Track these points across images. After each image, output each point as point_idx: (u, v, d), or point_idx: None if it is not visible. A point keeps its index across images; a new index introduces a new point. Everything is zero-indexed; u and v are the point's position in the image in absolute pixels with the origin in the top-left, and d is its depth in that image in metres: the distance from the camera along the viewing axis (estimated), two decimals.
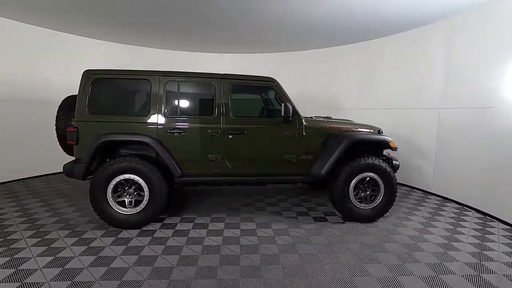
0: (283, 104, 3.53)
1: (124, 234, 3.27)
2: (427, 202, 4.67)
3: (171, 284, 2.35)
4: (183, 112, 3.57)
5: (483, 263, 2.76)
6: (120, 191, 3.40)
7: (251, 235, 3.30)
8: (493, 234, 3.43)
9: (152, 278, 2.43)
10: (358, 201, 3.73)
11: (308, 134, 3.74)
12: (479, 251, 3.00)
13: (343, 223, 3.73)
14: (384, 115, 5.81)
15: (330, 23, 5.17)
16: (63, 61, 6.01)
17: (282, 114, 3.57)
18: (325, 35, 5.93)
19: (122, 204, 3.40)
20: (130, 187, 3.41)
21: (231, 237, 3.26)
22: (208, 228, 3.48)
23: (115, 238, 3.17)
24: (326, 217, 3.93)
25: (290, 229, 3.51)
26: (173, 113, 3.52)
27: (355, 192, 3.72)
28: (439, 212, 4.19)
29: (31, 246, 2.95)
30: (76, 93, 3.49)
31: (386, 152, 4.09)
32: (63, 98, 3.86)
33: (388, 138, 3.78)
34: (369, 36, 5.93)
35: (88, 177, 3.46)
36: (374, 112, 6.03)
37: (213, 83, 3.59)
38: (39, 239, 3.11)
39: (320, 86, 7.11)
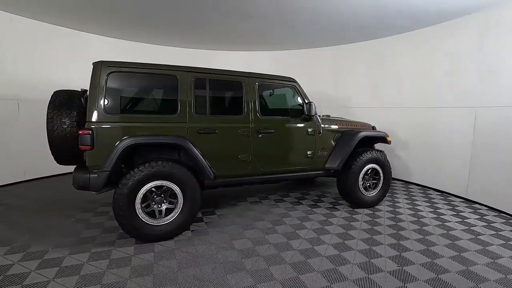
0: (307, 103, 3.72)
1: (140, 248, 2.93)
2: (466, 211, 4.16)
3: None
4: (213, 111, 3.38)
5: None
6: (148, 200, 3.02)
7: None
8: None
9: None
10: (364, 190, 4.21)
11: (324, 132, 4.02)
12: None
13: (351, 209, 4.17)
14: (400, 115, 5.66)
15: (346, 19, 4.99)
16: (75, 58, 5.86)
17: (306, 112, 3.77)
18: (336, 32, 5.75)
19: (151, 214, 3.03)
20: (159, 195, 3.05)
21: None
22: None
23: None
24: (336, 206, 4.31)
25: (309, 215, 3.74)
26: (203, 112, 3.30)
27: (361, 182, 4.19)
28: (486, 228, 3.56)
29: None
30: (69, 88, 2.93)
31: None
32: (52, 94, 3.16)
33: (385, 133, 4.38)
34: (385, 33, 5.68)
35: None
36: (388, 112, 5.86)
37: (241, 81, 3.50)
38: None
39: (330, 85, 7.02)
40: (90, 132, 2.80)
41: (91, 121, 2.84)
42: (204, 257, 2.76)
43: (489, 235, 3.38)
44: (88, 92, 2.91)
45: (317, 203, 4.43)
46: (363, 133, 4.11)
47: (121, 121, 2.94)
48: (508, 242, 3.19)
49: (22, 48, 5.20)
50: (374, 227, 3.55)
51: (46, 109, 3.02)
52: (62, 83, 4.82)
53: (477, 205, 4.44)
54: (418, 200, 4.67)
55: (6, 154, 5.01)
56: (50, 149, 3.06)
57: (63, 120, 2.99)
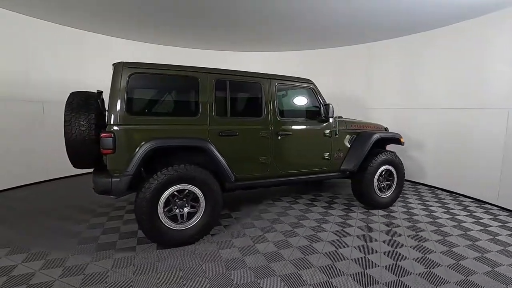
0: (325, 105, 3.71)
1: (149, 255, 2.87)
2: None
3: None
4: (233, 113, 3.33)
5: None
6: (171, 204, 2.95)
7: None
8: None
9: None
10: (378, 191, 4.22)
11: (340, 133, 4.01)
12: None
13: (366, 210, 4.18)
14: (427, 115, 5.44)
15: (367, 17, 4.83)
16: (94, 60, 5.96)
17: (323, 114, 3.76)
18: (360, 30, 5.58)
19: (173, 219, 2.96)
20: (181, 199, 2.99)
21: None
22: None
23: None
24: (350, 208, 4.31)
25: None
26: (223, 114, 3.25)
27: (376, 183, 4.20)
28: None
29: None
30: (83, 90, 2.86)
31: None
32: (69, 96, 3.07)
33: (399, 134, 4.39)
34: (411, 31, 5.44)
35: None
36: (414, 112, 5.66)
37: (261, 83, 3.47)
38: None
39: (354, 85, 6.79)
40: (112, 135, 2.72)
41: (113, 124, 2.76)
42: (231, 262, 2.71)
43: (506, 235, 3.43)
44: (109, 94, 2.82)
45: (331, 205, 4.42)
46: (378, 135, 4.12)
47: (143, 123, 2.88)
48: None
49: (46, 52, 5.36)
50: (393, 229, 3.56)
51: (64, 111, 2.94)
52: (86, 85, 4.89)
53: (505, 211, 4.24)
54: (433, 205, 4.71)
55: (31, 154, 5.17)
56: (67, 153, 2.97)
57: (82, 122, 2.90)
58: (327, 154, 3.91)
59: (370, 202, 4.18)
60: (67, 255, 2.79)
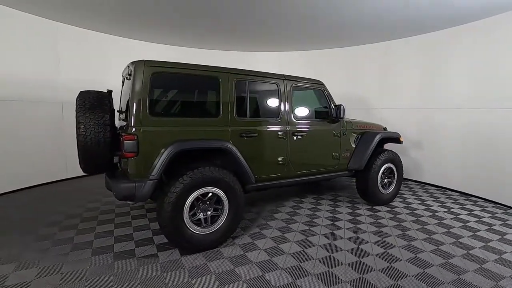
0: (337, 105, 3.81)
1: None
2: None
3: None
4: (253, 113, 3.30)
5: None
6: (195, 208, 2.85)
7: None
8: None
9: None
10: (382, 188, 4.42)
11: (348, 133, 4.14)
12: None
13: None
14: (452, 116, 5.17)
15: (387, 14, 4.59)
16: (110, 61, 6.00)
17: (334, 115, 3.85)
18: (377, 28, 5.36)
19: (196, 223, 2.87)
20: (204, 202, 2.91)
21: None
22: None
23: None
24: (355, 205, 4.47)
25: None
26: (244, 115, 3.22)
27: (380, 181, 4.39)
28: None
29: None
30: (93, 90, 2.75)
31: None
32: (79, 95, 2.86)
33: (398, 134, 4.63)
34: (440, 26, 5.13)
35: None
36: (435, 113, 5.43)
37: (278, 83, 3.47)
38: None
39: (368, 85, 6.59)
40: (135, 137, 2.57)
41: (135, 125, 2.61)
42: (262, 264, 2.69)
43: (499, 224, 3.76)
44: (130, 94, 2.67)
45: (336, 203, 4.55)
46: (381, 134, 4.31)
47: (166, 124, 2.76)
48: None
49: (65, 54, 5.52)
50: (401, 224, 3.74)
51: (76, 111, 2.73)
52: (107, 86, 4.62)
53: None
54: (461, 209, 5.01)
55: (52, 153, 5.35)
56: (80, 156, 2.77)
57: (96, 124, 2.72)
58: (336, 153, 4.02)
59: (374, 199, 4.36)
60: (84, 267, 2.59)
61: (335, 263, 2.73)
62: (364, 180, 4.29)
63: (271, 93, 3.50)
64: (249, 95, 3.27)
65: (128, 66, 2.86)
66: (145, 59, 2.72)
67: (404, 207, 4.40)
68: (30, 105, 4.99)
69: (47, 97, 5.24)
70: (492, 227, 3.68)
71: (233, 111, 3.10)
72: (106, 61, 6.04)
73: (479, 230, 3.57)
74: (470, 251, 3.02)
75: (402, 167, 4.59)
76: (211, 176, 2.80)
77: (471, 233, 3.48)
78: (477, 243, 3.22)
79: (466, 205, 4.59)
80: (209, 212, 2.92)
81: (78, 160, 2.94)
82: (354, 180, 4.59)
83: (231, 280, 2.43)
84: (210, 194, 2.89)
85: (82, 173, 5.45)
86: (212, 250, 2.94)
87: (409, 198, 4.87)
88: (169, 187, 2.66)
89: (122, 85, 3.58)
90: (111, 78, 5.52)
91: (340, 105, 3.80)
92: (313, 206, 4.39)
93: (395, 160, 4.46)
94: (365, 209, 4.30)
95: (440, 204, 4.57)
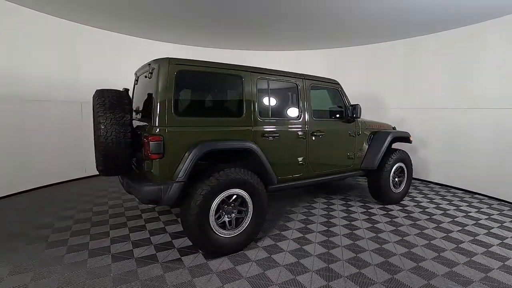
0: (353, 105, 3.81)
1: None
2: None
3: None
4: (274, 113, 3.24)
5: None
6: (220, 211, 2.77)
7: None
8: None
9: None
10: (393, 187, 4.45)
11: (362, 133, 4.15)
12: None
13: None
14: (482, 116, 4.89)
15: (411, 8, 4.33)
16: (127, 60, 5.94)
17: (350, 115, 3.84)
18: (401, 24, 5.11)
19: (221, 226, 2.79)
20: (229, 205, 2.83)
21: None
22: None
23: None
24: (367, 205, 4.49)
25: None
26: (265, 114, 3.15)
27: (391, 180, 4.42)
28: None
29: None
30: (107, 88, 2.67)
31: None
32: (97, 94, 2.73)
33: (408, 133, 4.67)
34: (459, 23, 4.93)
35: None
36: (462, 113, 5.15)
37: (297, 83, 3.43)
38: None
39: (389, 84, 6.34)
40: (161, 138, 2.47)
41: (160, 126, 2.51)
42: (291, 267, 2.65)
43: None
44: (156, 93, 2.55)
45: (347, 202, 4.55)
46: (393, 134, 4.34)
47: (190, 124, 2.66)
48: None
49: (84, 54, 5.62)
50: (416, 222, 3.78)
51: (95, 111, 2.60)
52: (122, 85, 4.48)
53: None
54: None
55: (71, 151, 5.45)
56: (100, 158, 2.64)
57: (117, 124, 2.60)
58: (351, 153, 4.02)
59: (385, 198, 4.38)
60: (106, 274, 2.47)
61: (363, 264, 2.72)
62: (377, 180, 4.31)
63: (291, 93, 3.45)
64: (270, 94, 3.21)
65: (149, 64, 2.75)
66: (169, 57, 2.61)
67: (414, 206, 4.45)
68: (52, 105, 5.13)
69: (68, 97, 5.38)
70: None
71: (256, 111, 3.03)
72: (121, 61, 6.08)
73: (492, 228, 3.65)
74: (490, 249, 3.07)
75: (412, 166, 4.64)
76: (237, 177, 2.73)
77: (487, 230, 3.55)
78: (494, 240, 3.29)
79: (494, 208, 4.68)
80: (233, 215, 2.85)
81: (96, 161, 2.82)
82: (360, 180, 4.61)
83: (264, 285, 2.37)
84: (235, 196, 2.81)
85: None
86: (237, 253, 2.87)
87: (417, 197, 4.93)
88: (196, 190, 2.57)
89: (135, 84, 3.46)
90: (126, 77, 5.39)
91: (357, 104, 3.79)
92: (325, 206, 4.37)
93: (406, 159, 4.51)
94: (377, 208, 4.33)
95: (448, 202, 4.65)
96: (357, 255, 2.89)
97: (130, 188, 2.73)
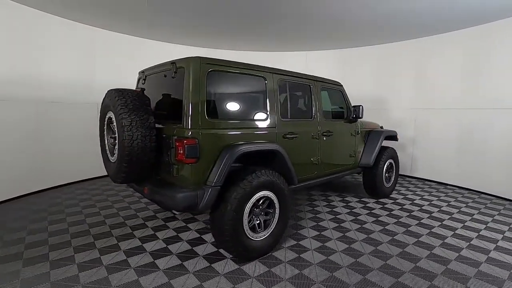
0: (357, 106, 4.01)
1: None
2: None
3: None
4: (293, 114, 3.27)
5: None
6: (251, 214, 2.72)
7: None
8: None
9: None
10: (385, 182, 4.79)
11: (361, 132, 4.39)
12: None
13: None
14: (498, 117, 4.79)
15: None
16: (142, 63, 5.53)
17: (354, 115, 4.04)
18: (414, 23, 4.98)
19: (252, 229, 2.75)
20: (258, 207, 2.80)
21: None
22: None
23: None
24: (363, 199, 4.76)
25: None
26: (286, 115, 3.17)
27: (384, 175, 4.75)
28: None
29: None
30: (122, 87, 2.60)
31: None
32: (116, 94, 2.50)
33: (396, 132, 5.05)
34: (474, 22, 4.83)
35: None
36: (476, 113, 5.04)
37: (310, 84, 3.50)
38: None
39: (401, 84, 6.23)
40: (196, 141, 2.35)
41: (193, 128, 2.39)
42: (324, 264, 2.71)
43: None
44: (187, 93, 2.41)
45: (344, 198, 4.78)
46: (385, 133, 4.67)
47: (222, 127, 2.58)
48: None
49: (100, 57, 5.69)
50: (412, 213, 4.12)
51: (117, 113, 2.39)
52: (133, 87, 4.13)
53: None
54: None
55: (87, 151, 5.39)
56: (124, 164, 2.42)
57: (142, 127, 2.42)
58: (353, 152, 4.23)
59: (379, 192, 4.69)
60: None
61: (386, 257, 2.89)
62: (372, 176, 4.59)
63: (305, 94, 3.52)
64: (289, 95, 3.24)
65: (174, 63, 2.58)
66: (200, 56, 2.49)
67: (403, 199, 4.84)
68: (69, 107, 5.24)
69: (85, 99, 5.46)
70: None
71: (279, 112, 3.03)
72: (134, 63, 5.61)
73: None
74: (480, 233, 3.49)
75: (399, 162, 5.04)
76: (267, 179, 2.71)
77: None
78: (480, 226, 3.73)
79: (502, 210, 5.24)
80: (260, 217, 2.82)
81: (111, 168, 2.57)
82: (348, 177, 4.80)
83: (308, 284, 2.39)
84: (264, 198, 2.79)
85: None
86: (266, 255, 2.85)
87: (401, 190, 5.37)
88: (231, 194, 2.50)
89: (142, 84, 3.23)
90: (129, 79, 5.08)
91: (360, 105, 4.00)
92: (326, 203, 4.54)
93: (394, 156, 4.88)
94: (373, 202, 4.61)
95: (437, 198, 5.15)
96: (377, 248, 3.06)
97: (156, 195, 2.54)
